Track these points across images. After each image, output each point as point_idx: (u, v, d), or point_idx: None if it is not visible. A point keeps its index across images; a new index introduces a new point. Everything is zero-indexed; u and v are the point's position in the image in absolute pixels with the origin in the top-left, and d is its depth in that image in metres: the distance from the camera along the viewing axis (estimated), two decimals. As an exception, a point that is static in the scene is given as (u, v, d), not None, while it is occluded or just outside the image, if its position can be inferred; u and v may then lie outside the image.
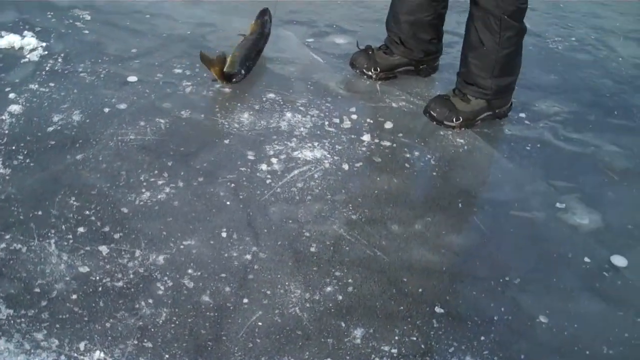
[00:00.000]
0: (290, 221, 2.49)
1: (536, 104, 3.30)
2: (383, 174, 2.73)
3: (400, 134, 2.97)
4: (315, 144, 2.86)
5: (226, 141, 2.83)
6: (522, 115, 3.22)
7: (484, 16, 2.86)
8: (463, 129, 3.08)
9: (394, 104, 3.17)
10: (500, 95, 3.06)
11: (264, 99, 3.12)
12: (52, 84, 3.07)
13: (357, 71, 3.36)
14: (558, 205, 2.68)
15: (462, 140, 2.97)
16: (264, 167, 2.72)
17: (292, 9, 3.95)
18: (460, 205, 2.63)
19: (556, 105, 3.31)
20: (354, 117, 3.05)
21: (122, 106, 2.98)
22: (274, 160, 2.76)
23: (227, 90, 3.15)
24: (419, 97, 3.24)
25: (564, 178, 2.83)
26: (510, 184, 2.76)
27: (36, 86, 3.05)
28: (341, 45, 3.61)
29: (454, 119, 3.04)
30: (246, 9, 3.76)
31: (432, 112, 3.08)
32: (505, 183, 2.77)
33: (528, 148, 2.99)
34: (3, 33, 3.40)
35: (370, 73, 3.35)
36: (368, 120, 3.04)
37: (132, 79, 3.17)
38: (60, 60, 3.25)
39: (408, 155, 2.85)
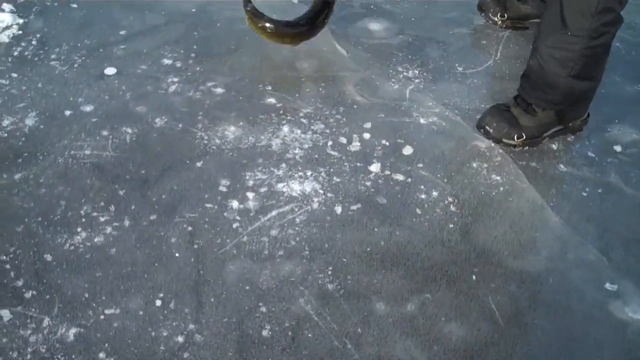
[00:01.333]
0: (248, 287, 2.02)
1: (608, 128, 2.66)
2: (384, 224, 2.20)
3: (420, 165, 2.41)
4: (309, 173, 2.35)
5: (199, 163, 2.35)
6: (586, 142, 2.55)
7: None
8: (526, 147, 2.55)
9: (422, 119, 2.59)
10: (574, 103, 2.50)
11: (261, 104, 2.60)
12: (14, 75, 2.67)
13: (483, 14, 3.14)
14: (608, 286, 2.09)
15: (498, 178, 2.38)
16: (235, 204, 2.23)
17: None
18: (474, 277, 2.08)
19: (635, 133, 2.62)
20: (367, 136, 2.50)
21: (88, 108, 2.54)
22: (250, 194, 2.27)
23: (219, 90, 2.63)
24: (457, 110, 2.65)
25: (624, 246, 2.21)
26: (549, 248, 2.18)
27: (-5, 77, 2.62)
28: (375, 32, 3.04)
29: (515, 136, 2.50)
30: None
31: (487, 127, 2.54)
32: (543, 246, 2.19)
33: (585, 194, 2.39)
34: (-21, 4, 2.96)
35: (495, 19, 3.10)
36: (383, 141, 2.48)
37: (110, 71, 2.73)
38: (34, 43, 2.84)
39: (423, 197, 2.30)
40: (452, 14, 3.17)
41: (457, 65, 2.88)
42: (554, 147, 2.54)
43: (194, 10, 3.09)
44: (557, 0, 2.31)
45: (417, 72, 2.83)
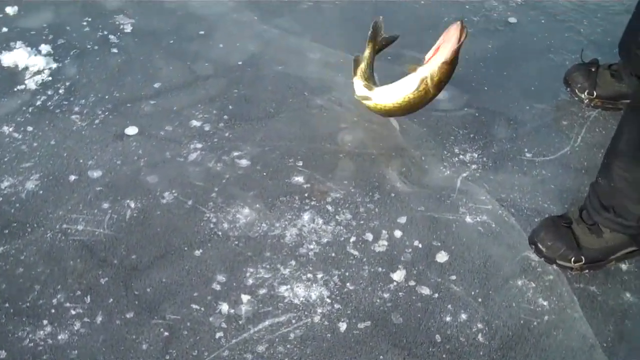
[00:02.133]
0: (213, 419, 1.73)
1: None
2: (394, 350, 1.92)
3: (454, 277, 2.06)
4: (319, 275, 2.05)
5: (198, 252, 2.10)
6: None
7: None
8: (586, 271, 2.14)
9: (468, 217, 2.23)
10: None
11: (286, 183, 2.33)
12: (30, 129, 2.51)
13: (568, 89, 2.74)
14: None
15: (545, 303, 2.00)
16: (224, 307, 1.98)
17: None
18: None
19: None
20: (398, 234, 2.18)
21: (96, 174, 2.35)
22: (245, 297, 2.01)
23: (243, 162, 2.37)
24: (514, 209, 2.28)
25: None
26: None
27: (10, 129, 2.51)
28: (438, 101, 2.65)
29: (573, 259, 2.11)
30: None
31: (539, 245, 2.15)
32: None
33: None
34: (18, 44, 2.84)
35: (583, 96, 2.69)
36: (416, 242, 2.15)
37: (132, 130, 2.52)
38: (61, 91, 2.69)
39: (448, 319, 1.95)
40: (533, 84, 2.76)
41: (525, 150, 2.49)
42: (624, 267, 2.14)
43: (240, 63, 2.83)
44: (633, 118, 1.92)
45: (476, 155, 2.46)
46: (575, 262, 2.07)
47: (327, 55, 2.88)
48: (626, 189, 1.97)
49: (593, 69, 2.63)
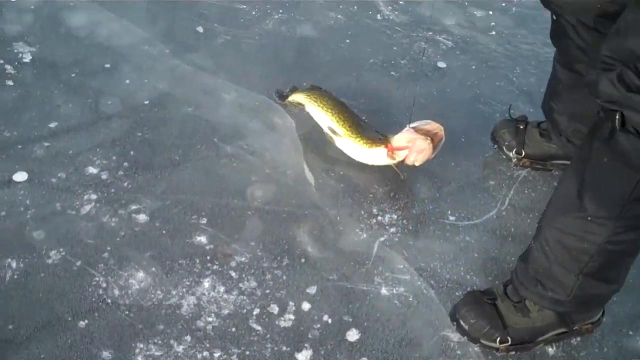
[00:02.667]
0: None
1: (630, 330, 2.10)
2: None
3: (365, 358, 1.88)
4: (217, 354, 1.92)
5: (83, 322, 1.94)
6: (596, 349, 2.02)
7: (611, 162, 1.67)
8: (512, 353, 2.00)
9: (384, 289, 2.10)
10: (583, 307, 1.97)
11: (187, 243, 2.14)
12: None
13: (496, 146, 2.57)
14: None
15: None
16: (104, 393, 1.75)
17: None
18: None
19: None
20: (306, 306, 2.02)
21: (-26, 227, 2.09)
22: (129, 379, 1.78)
23: (141, 218, 2.17)
24: (434, 280, 2.15)
25: None
26: None
27: None
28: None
29: (498, 339, 1.97)
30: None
31: (462, 323, 2.02)
32: None
33: None
34: None
35: (511, 154, 2.53)
36: (325, 317, 2.00)
37: (20, 176, 2.33)
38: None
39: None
40: (460, 138, 2.63)
41: (449, 212, 2.35)
42: (550, 351, 2.01)
43: (146, 102, 2.63)
44: (575, 171, 1.79)
45: (396, 217, 2.32)
46: (501, 342, 1.96)
47: (242, 97, 2.70)
48: (561, 255, 1.83)
49: (522, 126, 2.51)
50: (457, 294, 2.11)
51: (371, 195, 2.40)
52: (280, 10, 3.17)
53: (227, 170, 2.43)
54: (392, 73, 2.87)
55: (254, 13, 3.14)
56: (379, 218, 2.33)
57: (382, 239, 2.26)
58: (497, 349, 1.98)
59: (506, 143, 2.52)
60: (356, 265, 2.17)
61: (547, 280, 1.89)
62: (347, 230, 2.27)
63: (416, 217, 2.35)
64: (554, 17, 2.15)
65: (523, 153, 2.49)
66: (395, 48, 3.06)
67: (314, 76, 2.79)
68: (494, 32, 3.18)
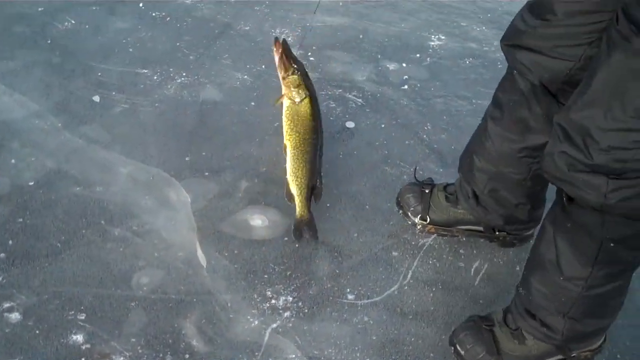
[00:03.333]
0: None
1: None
2: None
3: None
4: None
5: None
6: None
7: (574, 230, 1.76)
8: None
9: (274, 383, 1.92)
10: (578, 341, 1.99)
11: (61, 344, 2.02)
12: None
13: (401, 212, 2.46)
14: None
15: None
16: None
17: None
18: None
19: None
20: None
21: None
22: None
23: (14, 317, 2.03)
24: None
25: None
26: None
27: None
28: (256, 230, 2.38)
29: None
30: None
31: (458, 347, 2.05)
32: None
33: None
34: None
35: (416, 220, 2.44)
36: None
37: None
38: None
39: None
40: (365, 205, 2.51)
41: (348, 290, 2.23)
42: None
43: (31, 183, 2.48)
44: (550, 228, 1.83)
45: (292, 298, 2.19)
46: None
47: (136, 171, 2.57)
48: (544, 303, 1.89)
49: (427, 190, 2.41)
50: (351, 385, 1.97)
51: (266, 276, 2.27)
52: (184, 73, 3.05)
53: (113, 256, 2.28)
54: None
55: (155, 78, 3.00)
56: (273, 301, 2.20)
57: (274, 325, 2.14)
58: None
59: (411, 208, 2.41)
60: (245, 358, 2.03)
61: (542, 318, 1.92)
62: (239, 317, 2.14)
63: (312, 298, 2.21)
64: (513, 73, 2.03)
65: (428, 219, 2.39)
66: (303, 111, 2.93)
67: (213, 144, 2.68)
68: (406, 86, 3.07)
